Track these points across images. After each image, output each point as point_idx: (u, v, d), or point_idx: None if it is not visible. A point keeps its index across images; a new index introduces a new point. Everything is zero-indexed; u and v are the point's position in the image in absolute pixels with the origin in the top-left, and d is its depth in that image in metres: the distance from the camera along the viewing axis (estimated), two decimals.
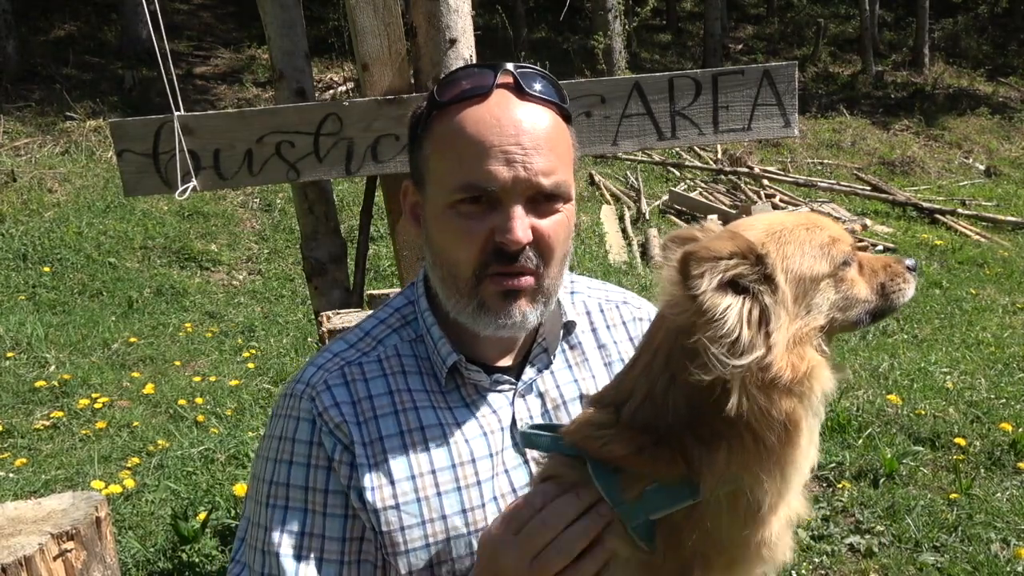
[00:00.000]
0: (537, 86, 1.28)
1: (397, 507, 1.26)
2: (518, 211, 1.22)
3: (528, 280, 1.26)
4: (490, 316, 1.26)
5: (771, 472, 1.06)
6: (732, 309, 1.00)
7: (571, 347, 1.43)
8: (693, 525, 1.09)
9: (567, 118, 1.33)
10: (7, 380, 5.54)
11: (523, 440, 1.27)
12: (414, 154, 1.35)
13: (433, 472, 1.28)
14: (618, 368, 1.43)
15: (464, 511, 1.28)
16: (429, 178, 1.30)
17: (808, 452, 1.10)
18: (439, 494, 1.27)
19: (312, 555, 1.26)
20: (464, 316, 1.29)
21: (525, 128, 1.23)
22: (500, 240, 1.22)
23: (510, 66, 1.28)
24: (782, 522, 1.14)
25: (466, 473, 1.29)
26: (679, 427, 1.07)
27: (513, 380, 1.36)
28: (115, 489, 4.00)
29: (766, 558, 1.14)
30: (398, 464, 1.27)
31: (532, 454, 1.33)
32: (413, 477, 1.27)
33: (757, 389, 1.01)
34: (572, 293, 1.50)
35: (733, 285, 1.02)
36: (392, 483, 1.26)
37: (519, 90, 1.26)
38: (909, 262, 1.20)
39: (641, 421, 1.09)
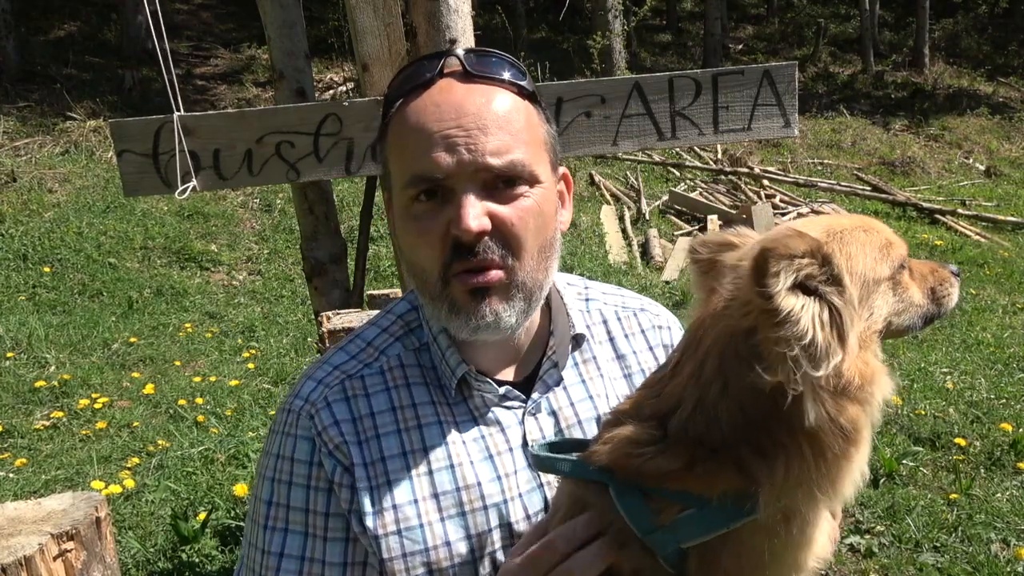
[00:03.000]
0: (486, 66, 1.21)
1: (399, 532, 1.19)
2: (468, 199, 1.14)
3: (495, 275, 1.17)
4: (462, 317, 1.19)
5: (824, 486, 1.01)
6: (806, 310, 0.95)
7: (584, 360, 1.35)
8: (732, 547, 1.04)
9: (529, 96, 1.24)
10: (7, 380, 5.54)
11: (536, 464, 1.19)
12: (381, 162, 1.29)
13: (436, 496, 1.21)
14: (639, 380, 1.35)
15: (469, 537, 1.21)
16: (391, 182, 1.25)
17: (863, 465, 1.05)
18: (443, 519, 1.21)
19: None
20: (442, 320, 1.22)
21: (467, 110, 1.16)
22: (454, 232, 1.14)
23: (459, 51, 1.22)
24: (825, 537, 1.09)
25: (472, 497, 1.22)
26: (734, 438, 1.01)
27: (523, 397, 1.28)
28: (115, 489, 4.00)
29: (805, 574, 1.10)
30: (400, 487, 1.21)
31: (548, 476, 1.26)
32: (416, 501, 1.21)
33: (828, 396, 0.97)
34: (587, 300, 1.42)
35: (802, 286, 0.97)
36: (394, 507, 1.20)
37: (465, 74, 1.20)
38: (953, 268, 1.19)
39: (693, 433, 1.02)
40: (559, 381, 1.31)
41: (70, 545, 2.07)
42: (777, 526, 1.02)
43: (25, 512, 2.17)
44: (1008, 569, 3.41)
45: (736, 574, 1.05)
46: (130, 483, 4.14)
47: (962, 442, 4.42)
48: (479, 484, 1.22)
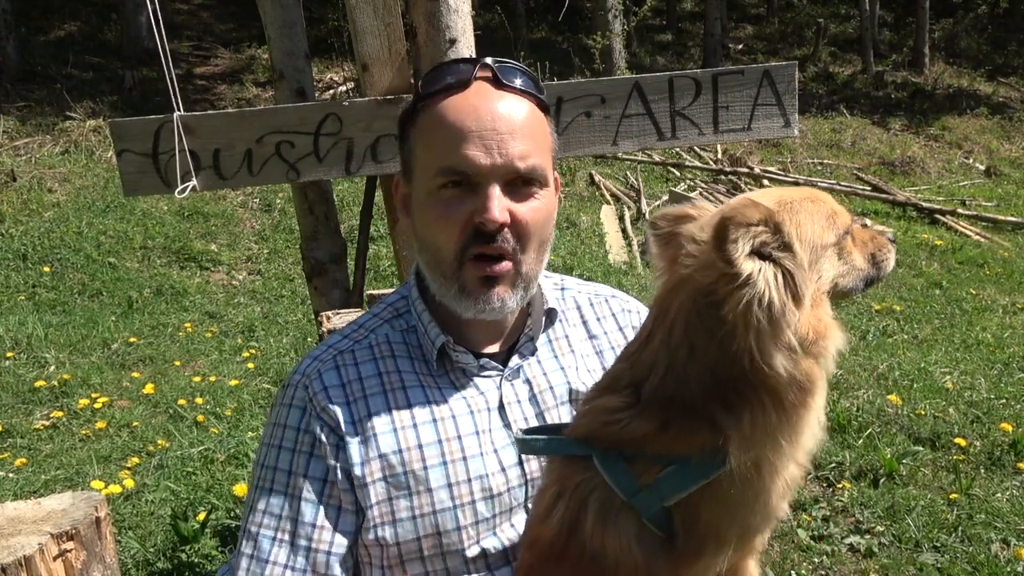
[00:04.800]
0: (514, 78, 1.36)
1: (385, 479, 1.31)
2: (495, 192, 1.29)
3: (506, 266, 1.32)
4: (470, 300, 1.33)
5: (787, 434, 1.09)
6: (762, 273, 1.04)
7: (556, 338, 1.49)
8: (709, 498, 1.11)
9: (544, 109, 1.40)
10: (7, 380, 5.53)
11: (521, 448, 1.30)
12: (402, 147, 1.42)
13: (420, 447, 1.32)
14: (609, 356, 1.51)
15: (449, 485, 1.32)
16: (415, 167, 1.38)
17: (820, 413, 1.14)
18: (425, 468, 1.32)
19: (285, 537, 1.31)
20: (448, 298, 1.36)
21: (501, 115, 1.30)
22: (478, 220, 1.29)
23: (489, 60, 1.37)
24: (787, 482, 1.17)
25: (452, 448, 1.33)
26: (703, 396, 1.09)
27: (500, 366, 1.42)
28: (115, 489, 4.00)
29: (771, 521, 1.18)
30: (386, 439, 1.32)
31: (516, 445, 1.36)
32: (400, 451, 1.32)
33: (786, 351, 1.05)
34: (563, 290, 1.57)
35: (757, 252, 1.06)
36: (380, 457, 1.31)
37: (497, 82, 1.34)
38: (889, 235, 1.30)
39: (664, 396, 1.11)
40: (533, 352, 1.45)
41: (70, 545, 2.07)
42: (749, 474, 1.11)
43: (25, 512, 2.17)
44: (1008, 569, 3.41)
45: (716, 522, 1.13)
46: (130, 483, 4.13)
47: (962, 442, 4.42)
48: (459, 437, 1.35)
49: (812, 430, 1.14)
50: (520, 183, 1.32)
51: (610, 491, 1.13)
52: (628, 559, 1.12)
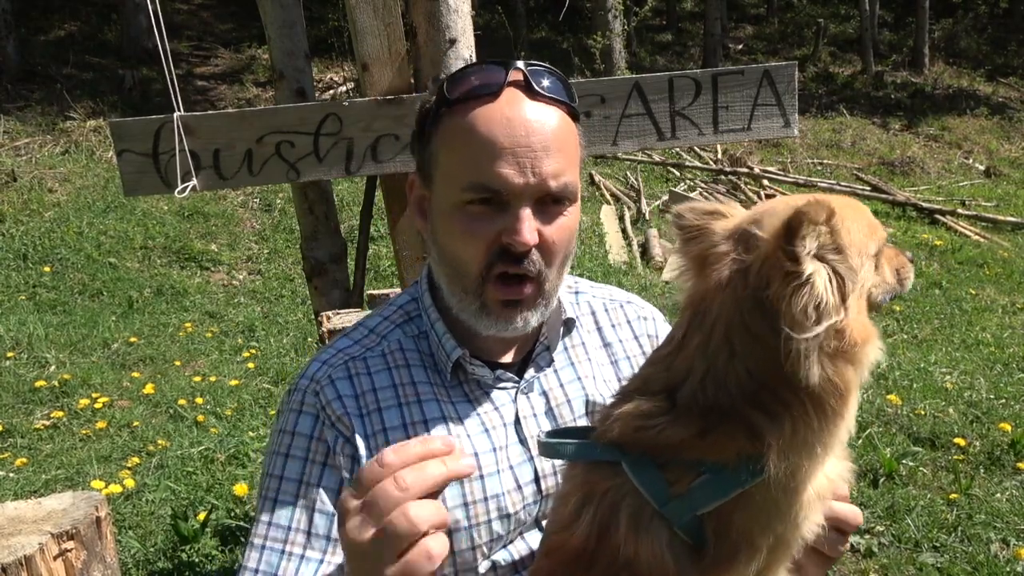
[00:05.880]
0: (547, 84, 1.27)
1: None
2: (526, 213, 1.23)
3: (530, 289, 1.28)
4: (491, 319, 1.29)
5: (824, 441, 1.08)
6: (820, 275, 1.02)
7: (573, 346, 1.44)
8: (743, 506, 1.09)
9: (575, 116, 1.32)
10: (7, 380, 5.54)
11: (543, 451, 1.23)
12: (422, 149, 1.33)
13: None
14: (624, 366, 1.46)
15: (465, 504, 1.27)
16: (437, 174, 1.30)
17: (851, 422, 1.12)
18: None
19: (296, 550, 1.25)
20: (467, 314, 1.30)
21: (535, 128, 1.23)
22: (507, 241, 1.23)
23: (520, 64, 1.27)
24: (817, 493, 1.15)
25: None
26: (743, 402, 1.06)
27: (516, 378, 1.37)
28: (115, 489, 4.00)
29: (805, 533, 1.15)
30: None
31: (538, 448, 1.31)
32: None
33: (828, 356, 1.04)
34: (576, 293, 1.52)
35: (816, 252, 1.04)
36: None
37: (529, 89, 1.26)
38: (909, 255, 1.30)
39: (703, 402, 1.07)
40: (550, 363, 1.40)
41: (70, 545, 2.08)
42: (784, 482, 1.07)
43: (25, 512, 2.18)
44: (1008, 569, 3.41)
45: (748, 531, 1.10)
46: (130, 483, 4.14)
47: (962, 442, 4.42)
48: (476, 455, 1.29)
49: (843, 440, 1.11)
50: (551, 201, 1.26)
51: (642, 498, 1.09)
52: (660, 567, 1.08)
